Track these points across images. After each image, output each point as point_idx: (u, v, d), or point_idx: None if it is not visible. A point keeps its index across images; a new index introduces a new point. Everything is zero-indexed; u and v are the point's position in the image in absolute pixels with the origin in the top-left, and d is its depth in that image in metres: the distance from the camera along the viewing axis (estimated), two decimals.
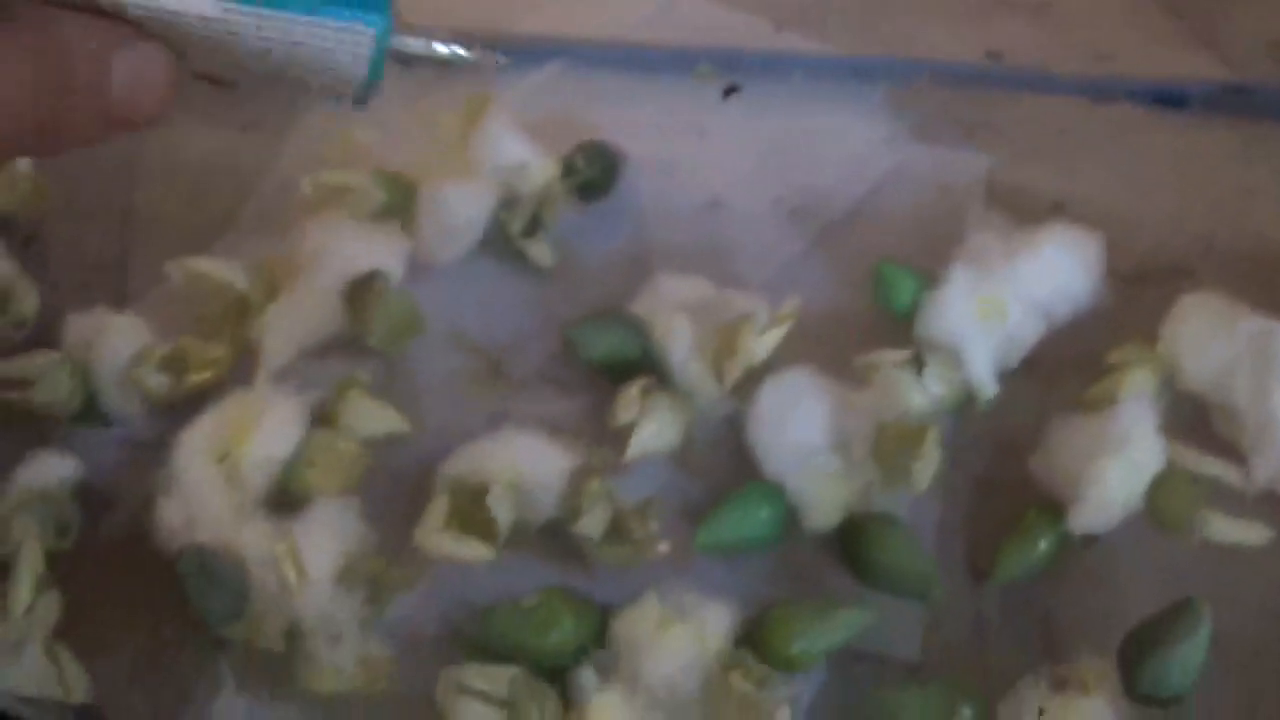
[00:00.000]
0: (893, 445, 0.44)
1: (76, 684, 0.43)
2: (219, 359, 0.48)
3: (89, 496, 0.46)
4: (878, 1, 0.60)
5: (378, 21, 0.38)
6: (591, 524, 0.44)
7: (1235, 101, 0.57)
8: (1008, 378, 0.48)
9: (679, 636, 0.42)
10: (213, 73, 0.39)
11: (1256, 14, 0.60)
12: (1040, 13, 0.60)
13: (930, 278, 0.48)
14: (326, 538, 0.43)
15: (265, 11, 0.37)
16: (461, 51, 0.41)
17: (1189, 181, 0.55)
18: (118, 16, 0.35)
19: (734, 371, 0.46)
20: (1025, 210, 0.52)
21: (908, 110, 0.57)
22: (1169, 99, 0.57)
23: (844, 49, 0.59)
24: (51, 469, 0.46)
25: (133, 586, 0.45)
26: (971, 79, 0.58)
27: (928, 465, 0.44)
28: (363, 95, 0.40)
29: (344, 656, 0.42)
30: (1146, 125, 0.56)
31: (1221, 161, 0.55)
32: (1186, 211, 0.54)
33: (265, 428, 0.44)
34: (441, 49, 0.41)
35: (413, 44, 0.40)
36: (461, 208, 0.50)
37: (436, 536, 0.43)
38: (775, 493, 0.45)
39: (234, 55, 0.37)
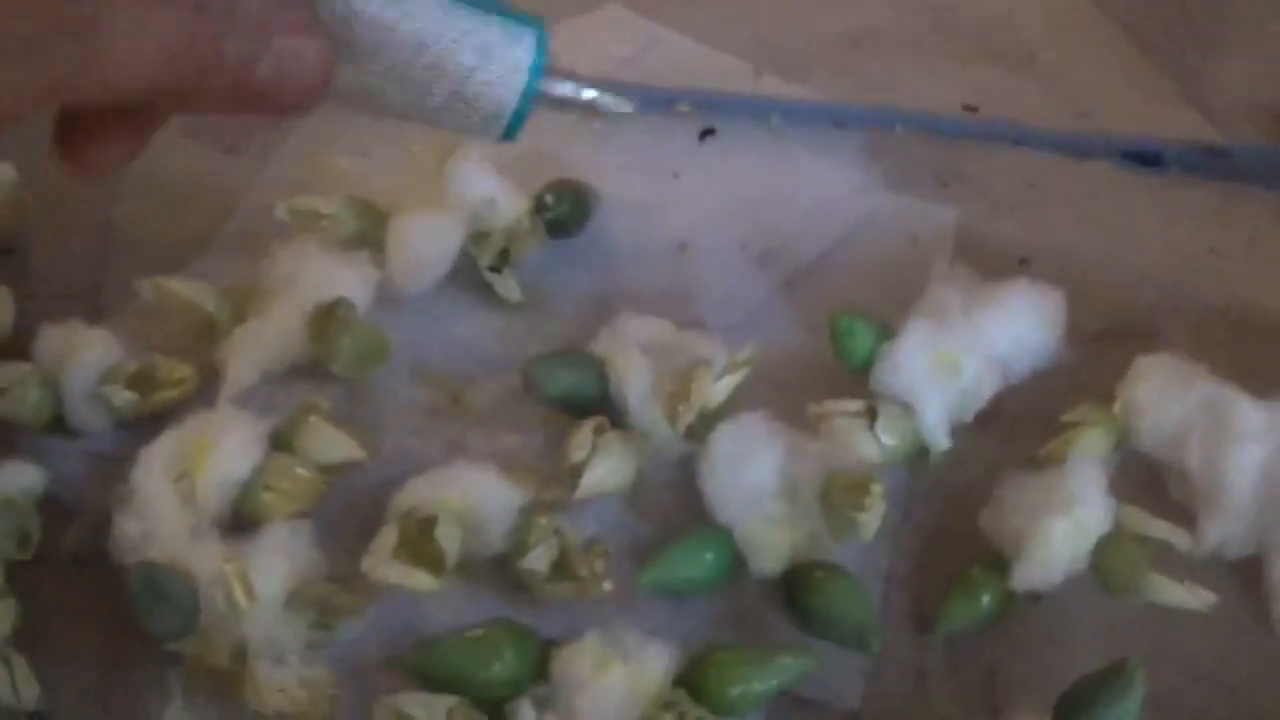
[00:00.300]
0: (840, 495, 0.45)
1: (28, 692, 0.44)
2: (185, 378, 0.48)
3: (51, 507, 0.47)
4: (859, 49, 0.61)
5: (538, 46, 0.39)
6: (537, 560, 0.44)
7: (1212, 163, 0.57)
8: (962, 431, 0.48)
9: (617, 675, 0.42)
10: None
11: (1241, 74, 0.60)
12: (1024, 64, 0.60)
13: (889, 329, 0.48)
14: (277, 561, 0.44)
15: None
16: (609, 97, 0.42)
17: (1161, 241, 0.55)
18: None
19: (688, 415, 0.46)
20: (992, 263, 0.52)
21: (883, 158, 0.58)
22: (1146, 158, 0.57)
23: (823, 95, 0.59)
24: (16, 478, 0.47)
25: (91, 598, 0.46)
26: (948, 129, 0.58)
27: (873, 516, 0.44)
28: (511, 128, 0.40)
29: (288, 678, 0.43)
30: (1122, 183, 0.57)
31: (1195, 222, 0.56)
32: (1156, 271, 0.54)
33: (223, 450, 0.45)
34: (589, 93, 0.41)
35: (560, 87, 0.41)
36: (431, 240, 0.51)
37: (383, 565, 0.44)
38: (723, 536, 0.45)
39: (388, 62, 0.37)
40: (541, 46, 0.40)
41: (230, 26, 0.33)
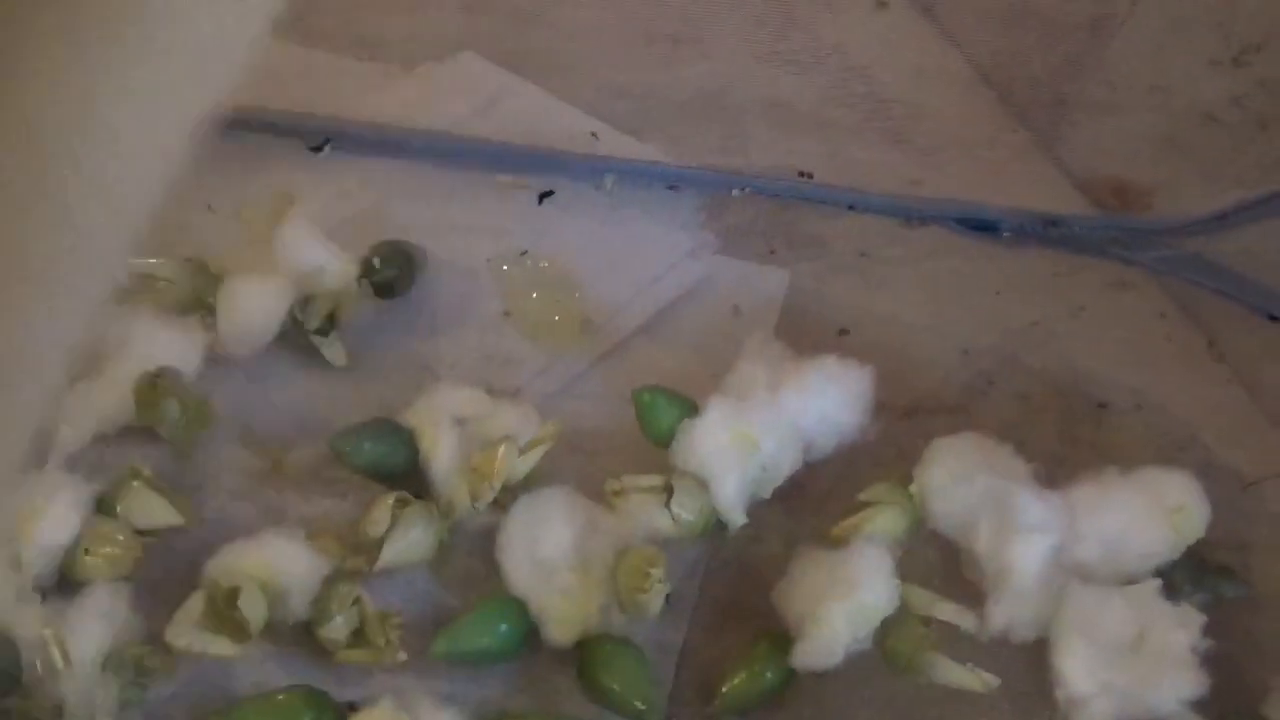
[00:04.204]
0: (626, 574, 0.46)
1: None
2: None
3: None
4: (700, 112, 0.61)
5: None
6: (337, 628, 0.46)
7: (1047, 232, 0.57)
8: (764, 507, 0.49)
9: None
10: None
11: (1092, 139, 0.59)
12: (874, 118, 0.60)
13: (692, 405, 0.49)
14: (95, 624, 0.46)
15: None
16: None
17: (989, 310, 0.56)
18: None
19: (489, 489, 0.47)
20: (813, 334, 0.53)
21: (718, 220, 0.58)
22: (981, 225, 0.57)
23: (664, 153, 0.60)
24: None
25: None
26: (784, 193, 0.58)
27: (655, 596, 0.46)
28: None
29: None
30: (955, 250, 0.57)
31: (1023, 293, 0.56)
32: (981, 341, 0.54)
33: (49, 515, 0.47)
34: None
35: None
36: (259, 304, 0.52)
37: (187, 633, 0.45)
38: (517, 607, 0.47)
39: None
40: None
41: None
